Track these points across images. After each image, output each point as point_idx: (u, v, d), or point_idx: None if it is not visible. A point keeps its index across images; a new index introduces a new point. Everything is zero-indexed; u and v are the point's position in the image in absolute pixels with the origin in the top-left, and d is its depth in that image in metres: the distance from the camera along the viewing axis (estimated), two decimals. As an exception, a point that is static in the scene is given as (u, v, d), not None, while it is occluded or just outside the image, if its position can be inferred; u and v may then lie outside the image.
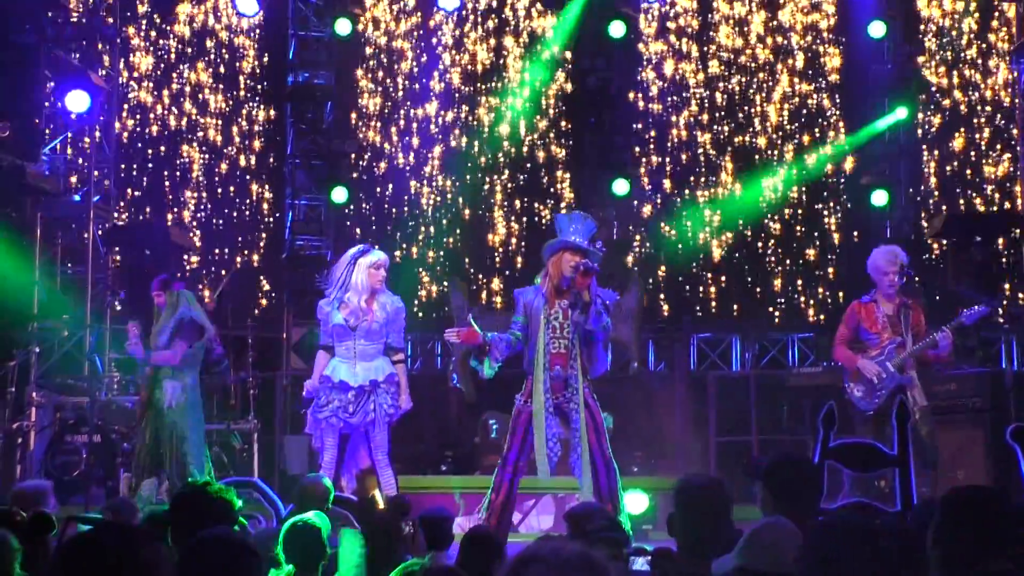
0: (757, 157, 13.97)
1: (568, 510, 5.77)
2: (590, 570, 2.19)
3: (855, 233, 14.01)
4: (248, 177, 13.61)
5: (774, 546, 3.46)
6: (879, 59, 14.10)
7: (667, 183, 13.87)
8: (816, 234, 13.94)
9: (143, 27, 13.23)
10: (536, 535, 8.67)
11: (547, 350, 7.54)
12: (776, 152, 13.96)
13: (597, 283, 7.55)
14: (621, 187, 13.48)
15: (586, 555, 2.22)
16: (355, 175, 13.64)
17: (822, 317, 13.63)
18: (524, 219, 13.79)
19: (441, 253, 13.61)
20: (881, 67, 14.08)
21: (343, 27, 13.44)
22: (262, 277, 13.52)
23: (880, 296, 8.69)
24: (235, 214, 13.53)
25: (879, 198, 13.69)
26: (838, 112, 14.10)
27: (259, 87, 13.72)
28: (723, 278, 13.82)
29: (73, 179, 12.50)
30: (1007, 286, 13.12)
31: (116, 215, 12.85)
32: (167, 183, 13.26)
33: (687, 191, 13.83)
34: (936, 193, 13.77)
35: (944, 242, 13.31)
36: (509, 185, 13.86)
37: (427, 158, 13.75)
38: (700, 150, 13.95)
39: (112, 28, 12.66)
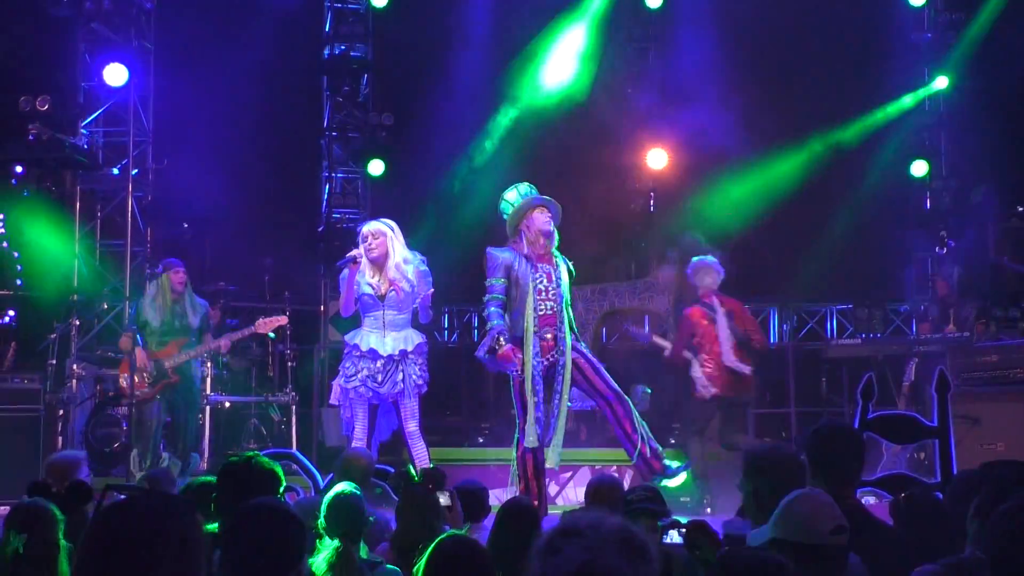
0: (793, 127, 13.81)
1: (590, 483, 5.78)
2: (629, 546, 2.14)
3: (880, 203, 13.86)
4: (286, 150, 13.62)
5: (809, 518, 3.43)
6: (918, 27, 13.92)
7: (703, 154, 13.74)
8: (853, 205, 13.78)
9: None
10: (573, 507, 8.67)
11: (536, 315, 7.54)
12: (813, 121, 13.80)
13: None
14: (657, 159, 13.40)
15: (626, 530, 2.17)
16: (392, 147, 13.60)
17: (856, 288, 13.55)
18: (560, 191, 13.68)
19: (476, 225, 13.56)
20: (920, 36, 13.90)
21: (379, -1, 13.41)
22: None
23: None
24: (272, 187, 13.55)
25: (918, 168, 13.54)
26: (876, 81, 13.92)
27: (296, 59, 13.70)
28: (760, 249, 13.70)
29: (111, 152, 12.54)
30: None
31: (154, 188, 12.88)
32: (204, 159, 13.27)
33: (723, 162, 13.70)
34: (977, 163, 13.59)
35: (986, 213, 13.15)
36: (544, 156, 13.77)
37: (463, 129, 13.70)
38: (736, 120, 13.80)
39: (150, 1, 12.67)
